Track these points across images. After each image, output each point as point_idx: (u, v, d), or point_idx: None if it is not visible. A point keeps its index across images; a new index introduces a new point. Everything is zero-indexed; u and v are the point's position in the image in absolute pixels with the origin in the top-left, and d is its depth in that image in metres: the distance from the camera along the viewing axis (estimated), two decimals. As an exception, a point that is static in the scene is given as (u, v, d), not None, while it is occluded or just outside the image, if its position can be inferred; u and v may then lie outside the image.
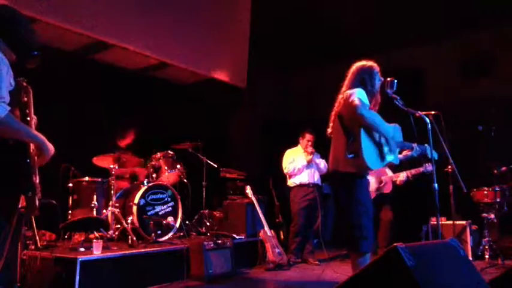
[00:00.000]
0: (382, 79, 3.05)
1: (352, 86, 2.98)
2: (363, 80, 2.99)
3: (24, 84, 2.22)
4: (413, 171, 5.01)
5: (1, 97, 1.87)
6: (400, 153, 3.25)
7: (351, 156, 2.84)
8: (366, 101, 2.88)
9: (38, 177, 2.08)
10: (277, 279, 4.45)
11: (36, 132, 2.09)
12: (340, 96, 3.00)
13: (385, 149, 2.97)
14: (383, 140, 2.97)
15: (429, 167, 4.76)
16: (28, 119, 2.16)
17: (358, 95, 2.83)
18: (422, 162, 4.79)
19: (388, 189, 5.17)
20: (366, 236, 2.80)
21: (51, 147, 2.09)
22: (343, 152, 2.88)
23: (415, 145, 3.15)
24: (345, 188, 2.91)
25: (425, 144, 3.22)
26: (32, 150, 2.06)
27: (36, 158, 2.08)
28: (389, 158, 3.02)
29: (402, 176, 5.10)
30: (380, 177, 5.15)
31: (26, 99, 2.20)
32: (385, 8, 6.36)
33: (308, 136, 5.35)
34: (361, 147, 2.79)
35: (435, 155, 3.27)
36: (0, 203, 1.98)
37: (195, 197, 5.73)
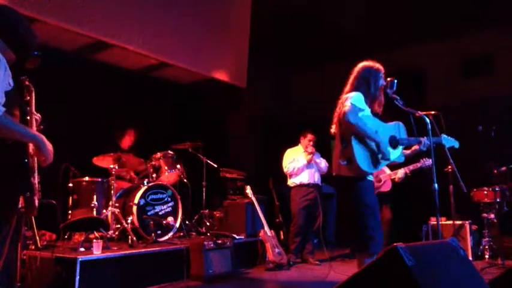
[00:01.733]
0: (384, 83, 2.99)
1: (355, 86, 2.94)
2: (367, 81, 2.94)
3: (27, 83, 2.21)
4: (411, 167, 4.93)
5: None
6: (409, 148, 3.19)
7: (344, 163, 2.82)
8: (361, 105, 2.84)
9: (37, 178, 2.07)
10: (277, 279, 4.45)
11: (34, 132, 2.07)
12: (340, 100, 2.96)
13: (384, 149, 2.91)
14: (381, 140, 2.89)
15: (427, 161, 4.70)
16: (28, 118, 2.16)
17: (352, 101, 2.80)
18: (421, 157, 4.72)
19: (387, 187, 5.14)
20: (374, 237, 2.78)
21: (50, 146, 2.06)
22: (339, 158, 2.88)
23: (423, 139, 3.03)
24: (349, 192, 2.89)
25: (442, 135, 3.12)
26: (31, 151, 2.05)
27: (35, 158, 2.07)
28: (392, 157, 2.98)
29: (400, 172, 5.03)
30: (379, 176, 5.12)
31: (28, 98, 2.20)
32: (385, 8, 6.36)
33: (310, 136, 5.35)
34: (354, 153, 2.76)
35: (456, 144, 3.20)
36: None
37: (195, 197, 5.73)
